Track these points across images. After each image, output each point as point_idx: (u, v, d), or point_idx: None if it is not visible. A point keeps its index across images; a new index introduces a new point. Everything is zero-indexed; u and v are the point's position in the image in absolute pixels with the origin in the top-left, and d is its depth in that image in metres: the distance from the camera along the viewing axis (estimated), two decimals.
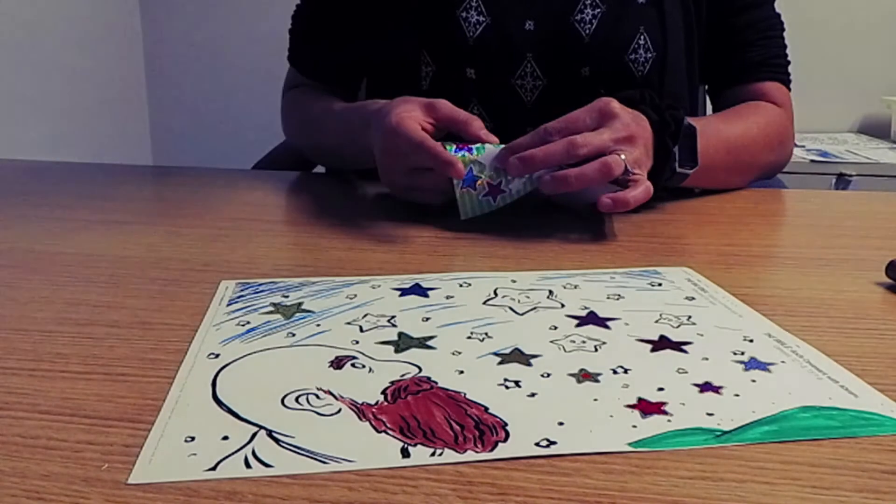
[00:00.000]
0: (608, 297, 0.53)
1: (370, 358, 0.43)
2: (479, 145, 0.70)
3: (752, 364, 0.42)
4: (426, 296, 0.52)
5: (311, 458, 0.33)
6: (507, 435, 0.35)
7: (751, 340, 0.46)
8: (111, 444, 0.34)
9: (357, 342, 0.45)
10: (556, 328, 0.47)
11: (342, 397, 0.38)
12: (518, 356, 0.43)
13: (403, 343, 0.45)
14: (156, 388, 0.39)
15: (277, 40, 1.18)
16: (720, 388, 0.40)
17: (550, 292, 0.53)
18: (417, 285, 0.54)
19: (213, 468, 0.32)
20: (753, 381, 0.40)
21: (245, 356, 0.43)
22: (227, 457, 0.33)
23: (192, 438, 0.34)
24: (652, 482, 0.32)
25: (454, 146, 0.70)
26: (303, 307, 0.50)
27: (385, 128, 0.72)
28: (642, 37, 0.87)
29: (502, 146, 0.69)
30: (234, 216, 0.75)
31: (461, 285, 0.55)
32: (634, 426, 0.36)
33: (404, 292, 0.53)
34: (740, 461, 0.33)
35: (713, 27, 0.92)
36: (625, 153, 0.66)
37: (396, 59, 0.90)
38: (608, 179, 0.66)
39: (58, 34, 1.96)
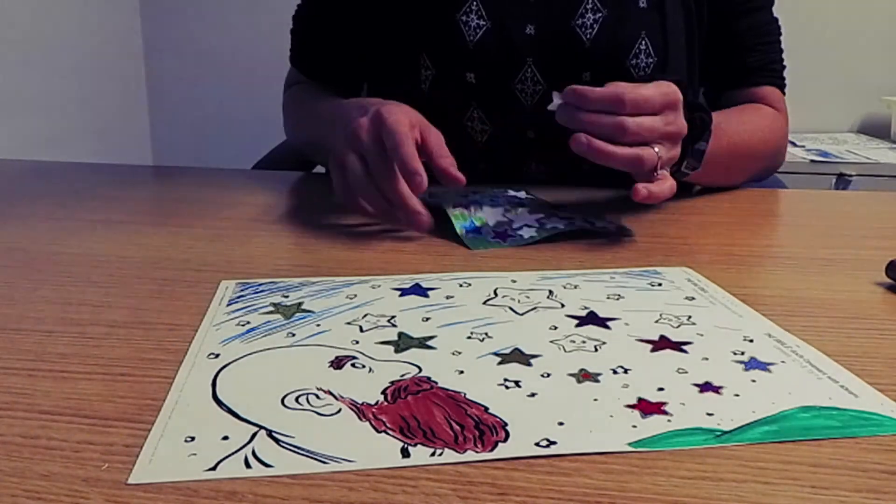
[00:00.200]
0: (608, 297, 0.53)
1: (370, 358, 0.43)
2: (476, 204, 0.70)
3: (752, 364, 0.42)
4: (426, 296, 0.52)
5: (311, 458, 0.33)
6: (507, 435, 0.35)
7: (751, 340, 0.46)
8: (111, 444, 0.34)
9: (357, 342, 0.45)
10: (556, 328, 0.47)
11: (342, 397, 0.38)
12: (518, 356, 0.43)
13: (403, 343, 0.45)
14: (156, 388, 0.39)
15: (277, 40, 1.18)
16: (720, 388, 0.40)
17: (550, 292, 0.53)
18: (417, 285, 0.54)
19: (213, 468, 0.32)
20: (753, 381, 0.40)
21: (245, 356, 0.43)
22: (227, 457, 0.33)
23: (192, 438, 0.34)
24: (652, 482, 0.32)
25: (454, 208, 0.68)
26: (303, 307, 0.50)
27: (378, 107, 0.68)
28: (643, 42, 0.87)
29: (501, 205, 0.70)
30: (234, 216, 0.75)
31: (461, 285, 0.55)
32: (634, 426, 0.36)
33: (404, 292, 0.53)
34: (740, 461, 0.33)
35: (713, 30, 0.92)
36: (662, 150, 0.65)
37: (396, 61, 0.90)
38: (635, 171, 0.65)
39: (58, 34, 1.96)
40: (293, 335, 0.46)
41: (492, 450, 0.34)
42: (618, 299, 0.52)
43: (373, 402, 0.38)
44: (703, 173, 0.77)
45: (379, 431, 0.35)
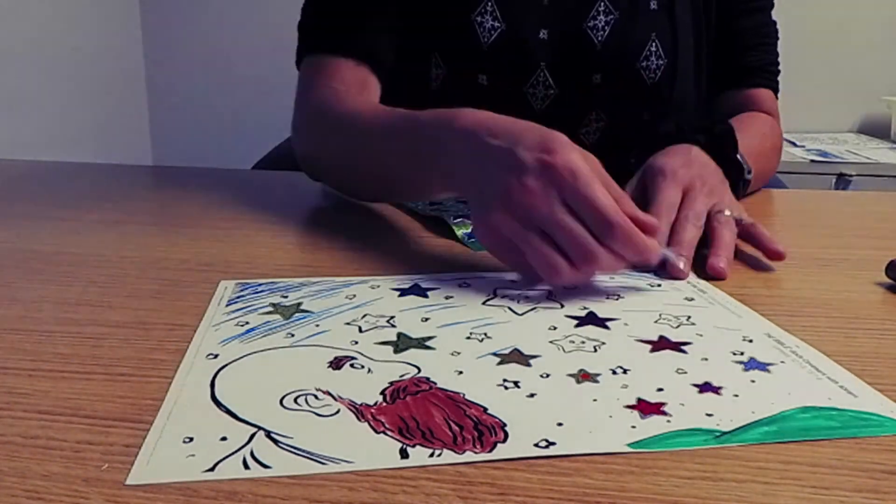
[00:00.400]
0: (607, 298, 0.53)
1: (369, 358, 0.43)
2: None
3: (752, 364, 0.42)
4: (425, 296, 0.52)
5: (310, 458, 0.33)
6: (507, 435, 0.35)
7: (750, 341, 0.46)
8: (111, 444, 0.34)
9: (356, 342, 0.45)
10: (555, 328, 0.47)
11: (341, 398, 0.38)
12: (517, 356, 0.43)
13: (402, 343, 0.45)
14: (155, 388, 0.39)
15: (278, 40, 1.18)
16: (719, 388, 0.40)
17: (550, 292, 0.53)
18: (417, 285, 0.54)
19: (212, 469, 0.32)
20: (753, 381, 0.40)
21: (244, 356, 0.43)
22: (225, 457, 0.33)
23: (191, 439, 0.34)
24: (652, 482, 0.32)
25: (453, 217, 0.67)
26: (302, 307, 0.50)
27: (541, 155, 0.51)
28: (654, 43, 0.86)
29: None
30: (234, 216, 0.75)
31: (460, 285, 0.55)
32: (634, 427, 0.36)
33: (403, 292, 0.53)
34: (740, 461, 0.33)
35: (716, 29, 0.92)
36: (723, 207, 0.63)
37: (406, 58, 0.89)
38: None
39: (58, 34, 1.96)
40: (292, 335, 0.46)
41: (491, 450, 0.33)
42: (617, 299, 0.52)
43: (372, 403, 0.38)
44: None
45: (378, 432, 0.35)
